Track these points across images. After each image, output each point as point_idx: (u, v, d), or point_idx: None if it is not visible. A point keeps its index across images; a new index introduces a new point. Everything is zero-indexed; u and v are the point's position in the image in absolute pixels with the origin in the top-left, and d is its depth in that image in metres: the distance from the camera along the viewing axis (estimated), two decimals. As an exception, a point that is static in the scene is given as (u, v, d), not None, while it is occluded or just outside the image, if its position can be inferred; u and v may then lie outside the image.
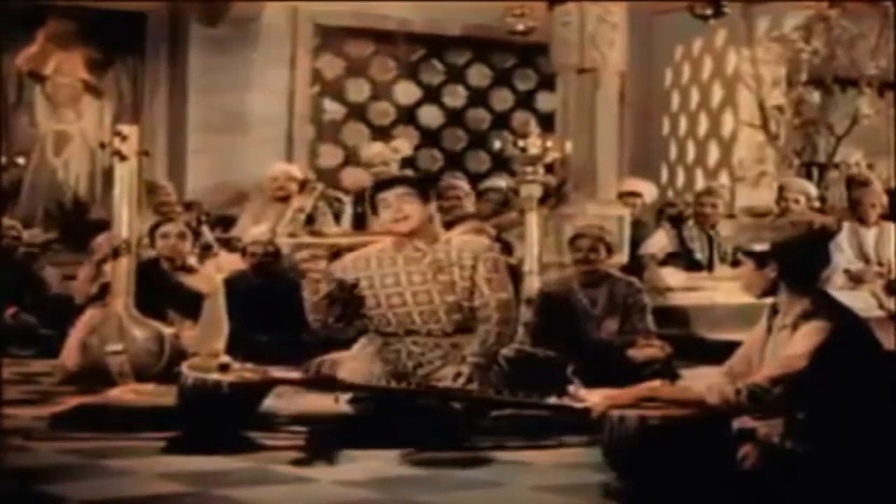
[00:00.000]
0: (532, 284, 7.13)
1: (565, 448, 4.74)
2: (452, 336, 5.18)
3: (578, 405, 4.70)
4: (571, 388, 5.32)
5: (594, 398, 4.32)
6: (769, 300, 4.18)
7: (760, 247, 4.11)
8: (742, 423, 3.91)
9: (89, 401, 5.30)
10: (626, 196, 8.93)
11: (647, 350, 6.74)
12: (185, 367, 4.86)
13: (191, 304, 6.95)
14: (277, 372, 4.96)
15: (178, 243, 7.04)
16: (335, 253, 5.66)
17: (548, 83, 10.49)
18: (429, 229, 5.25)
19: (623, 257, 7.96)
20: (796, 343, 3.90)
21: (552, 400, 4.85)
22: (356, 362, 5.21)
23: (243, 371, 4.81)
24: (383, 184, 5.40)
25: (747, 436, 3.88)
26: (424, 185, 5.39)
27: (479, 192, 9.38)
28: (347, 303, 5.19)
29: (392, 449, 4.58)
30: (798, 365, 3.83)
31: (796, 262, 4.09)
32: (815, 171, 10.26)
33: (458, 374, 4.99)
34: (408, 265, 5.20)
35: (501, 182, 9.46)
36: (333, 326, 5.22)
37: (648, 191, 9.61)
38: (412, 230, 5.19)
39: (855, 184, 9.28)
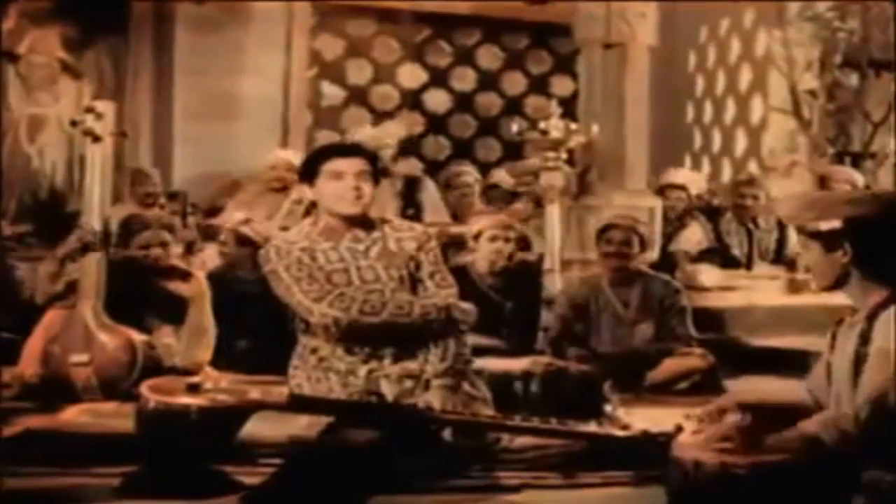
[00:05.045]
0: (553, 284, 6.62)
1: (612, 487, 4.00)
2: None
3: (621, 433, 3.98)
4: (608, 409, 4.63)
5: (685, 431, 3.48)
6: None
7: (828, 225, 3.32)
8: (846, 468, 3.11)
9: (38, 424, 4.60)
10: (667, 189, 8.39)
11: (687, 360, 6.13)
12: (145, 388, 4.05)
13: (171, 308, 6.18)
14: (258, 391, 4.15)
15: (162, 253, 6.19)
16: None
17: (564, 66, 10.45)
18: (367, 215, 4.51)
19: (654, 253, 7.39)
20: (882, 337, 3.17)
21: (591, 427, 4.09)
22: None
23: (217, 392, 4.01)
24: (337, 149, 4.54)
25: (854, 486, 3.07)
26: (378, 166, 4.55)
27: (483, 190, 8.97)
28: None
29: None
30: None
31: (876, 242, 3.30)
32: (848, 161, 9.82)
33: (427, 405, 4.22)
34: (354, 257, 4.42)
35: (507, 178, 9.02)
36: None
37: (695, 181, 8.98)
38: (358, 215, 4.44)
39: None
